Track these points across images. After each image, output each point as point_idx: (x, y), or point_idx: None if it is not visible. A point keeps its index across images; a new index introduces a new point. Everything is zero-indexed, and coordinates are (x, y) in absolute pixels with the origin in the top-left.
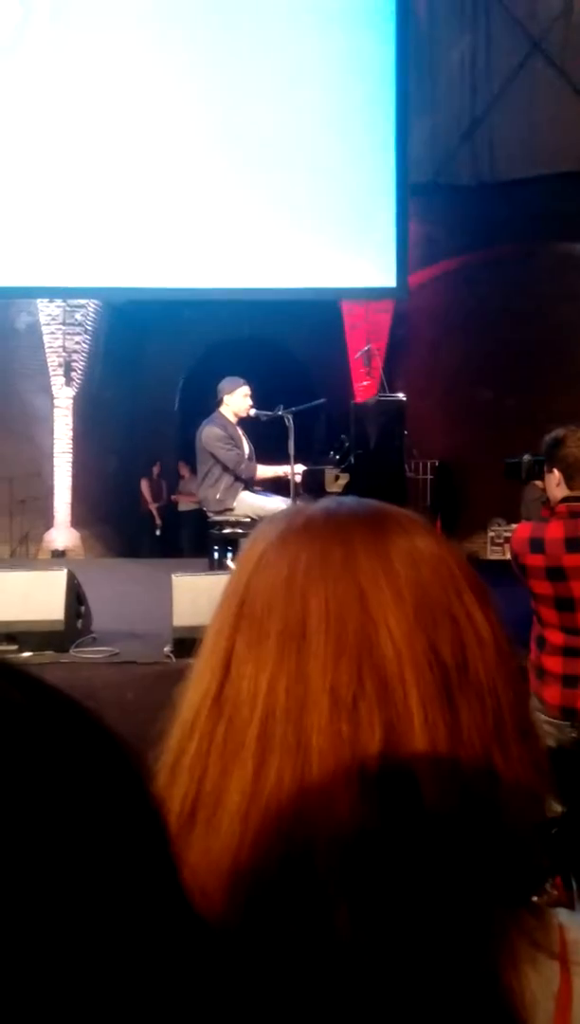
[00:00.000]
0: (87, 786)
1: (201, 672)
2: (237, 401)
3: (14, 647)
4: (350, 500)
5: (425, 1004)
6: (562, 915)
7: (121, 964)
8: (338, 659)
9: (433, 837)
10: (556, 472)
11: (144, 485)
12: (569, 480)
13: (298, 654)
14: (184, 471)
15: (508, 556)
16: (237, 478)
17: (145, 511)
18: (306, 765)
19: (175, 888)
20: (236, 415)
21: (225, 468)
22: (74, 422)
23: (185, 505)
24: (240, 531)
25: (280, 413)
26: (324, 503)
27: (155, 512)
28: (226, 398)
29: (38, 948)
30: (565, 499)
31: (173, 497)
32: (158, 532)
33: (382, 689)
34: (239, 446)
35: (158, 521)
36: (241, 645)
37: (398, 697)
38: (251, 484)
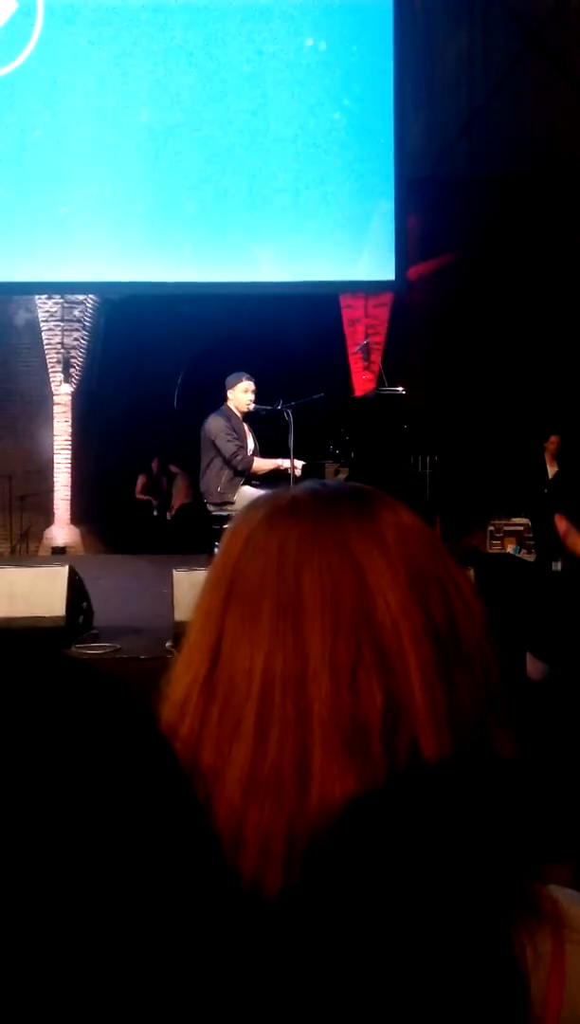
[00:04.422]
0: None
1: (190, 656)
2: (238, 396)
3: None
4: (332, 481)
5: (439, 968)
6: (552, 887)
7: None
8: (336, 631)
9: (437, 801)
10: None
11: (140, 480)
12: None
13: (294, 629)
14: (175, 469)
15: (508, 550)
16: (235, 470)
17: (142, 504)
18: (308, 735)
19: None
20: (238, 409)
21: (226, 460)
22: (73, 419)
23: (181, 499)
24: None
25: (279, 408)
26: (308, 484)
27: (154, 506)
28: (229, 392)
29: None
30: None
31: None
32: (157, 527)
33: (381, 658)
34: (241, 439)
35: (156, 515)
36: (232, 626)
37: (397, 666)
38: (249, 477)
